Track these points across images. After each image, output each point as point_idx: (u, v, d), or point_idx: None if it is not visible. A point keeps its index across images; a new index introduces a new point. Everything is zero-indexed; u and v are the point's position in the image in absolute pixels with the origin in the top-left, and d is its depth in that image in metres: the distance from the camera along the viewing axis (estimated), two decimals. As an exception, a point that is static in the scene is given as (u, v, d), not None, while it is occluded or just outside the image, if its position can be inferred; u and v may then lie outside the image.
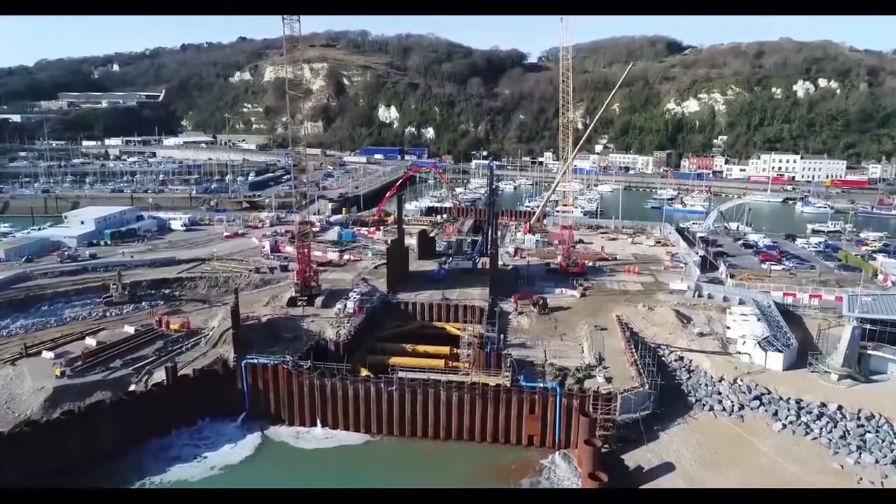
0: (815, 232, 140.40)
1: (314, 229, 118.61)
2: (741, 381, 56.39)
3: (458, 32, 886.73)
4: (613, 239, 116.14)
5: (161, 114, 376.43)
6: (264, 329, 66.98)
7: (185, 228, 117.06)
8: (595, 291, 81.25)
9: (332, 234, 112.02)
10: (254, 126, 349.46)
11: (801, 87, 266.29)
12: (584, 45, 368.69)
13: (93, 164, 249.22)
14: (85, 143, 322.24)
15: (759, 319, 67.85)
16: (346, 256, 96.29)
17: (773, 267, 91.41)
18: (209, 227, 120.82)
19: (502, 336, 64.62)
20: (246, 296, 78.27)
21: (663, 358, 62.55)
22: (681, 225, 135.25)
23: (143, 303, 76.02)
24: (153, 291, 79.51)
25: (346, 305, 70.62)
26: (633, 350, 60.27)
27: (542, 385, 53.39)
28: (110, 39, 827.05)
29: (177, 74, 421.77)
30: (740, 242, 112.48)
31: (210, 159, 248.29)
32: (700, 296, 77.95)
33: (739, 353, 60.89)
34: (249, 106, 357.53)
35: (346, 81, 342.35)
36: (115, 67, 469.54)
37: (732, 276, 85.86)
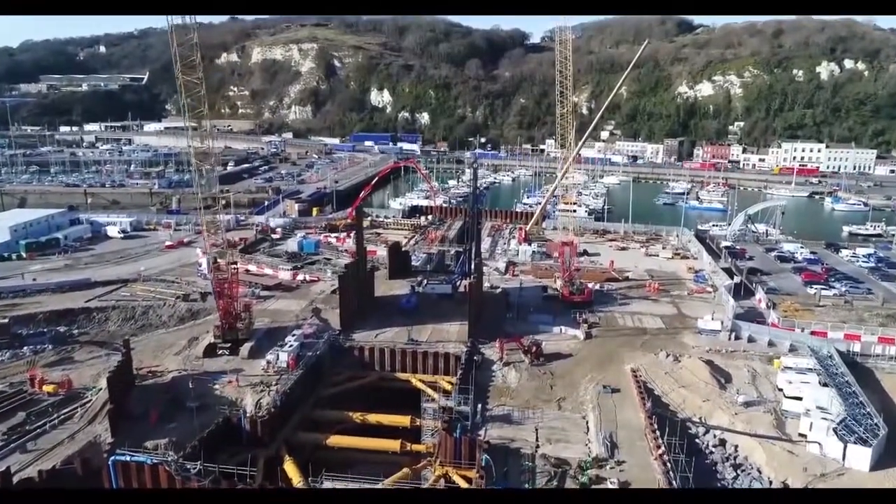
0: (852, 235, 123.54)
1: (274, 236, 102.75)
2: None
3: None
4: (623, 248, 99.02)
5: (144, 97, 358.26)
6: (166, 393, 50.61)
7: (122, 236, 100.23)
8: (603, 329, 64.40)
9: (294, 243, 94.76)
10: (240, 110, 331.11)
11: (825, 69, 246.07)
12: (589, 25, 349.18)
13: (62, 152, 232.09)
14: (62, 128, 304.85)
15: (820, 379, 51.22)
16: (300, 276, 79.53)
17: (823, 291, 74.33)
18: (155, 234, 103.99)
19: (480, 406, 48.07)
20: (160, 336, 62.09)
21: (697, 440, 46.17)
22: (699, 227, 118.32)
23: (26, 347, 59.40)
24: (45, 330, 62.94)
25: (278, 357, 54.09)
26: (657, 433, 43.76)
27: (528, 508, 36.74)
28: (101, 20, 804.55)
29: (163, 56, 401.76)
30: (774, 254, 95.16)
31: (189, 147, 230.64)
32: (738, 338, 61.20)
33: (805, 439, 44.19)
34: (235, 89, 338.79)
35: (336, 63, 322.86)
36: (102, 49, 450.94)
37: (773, 306, 69.04)
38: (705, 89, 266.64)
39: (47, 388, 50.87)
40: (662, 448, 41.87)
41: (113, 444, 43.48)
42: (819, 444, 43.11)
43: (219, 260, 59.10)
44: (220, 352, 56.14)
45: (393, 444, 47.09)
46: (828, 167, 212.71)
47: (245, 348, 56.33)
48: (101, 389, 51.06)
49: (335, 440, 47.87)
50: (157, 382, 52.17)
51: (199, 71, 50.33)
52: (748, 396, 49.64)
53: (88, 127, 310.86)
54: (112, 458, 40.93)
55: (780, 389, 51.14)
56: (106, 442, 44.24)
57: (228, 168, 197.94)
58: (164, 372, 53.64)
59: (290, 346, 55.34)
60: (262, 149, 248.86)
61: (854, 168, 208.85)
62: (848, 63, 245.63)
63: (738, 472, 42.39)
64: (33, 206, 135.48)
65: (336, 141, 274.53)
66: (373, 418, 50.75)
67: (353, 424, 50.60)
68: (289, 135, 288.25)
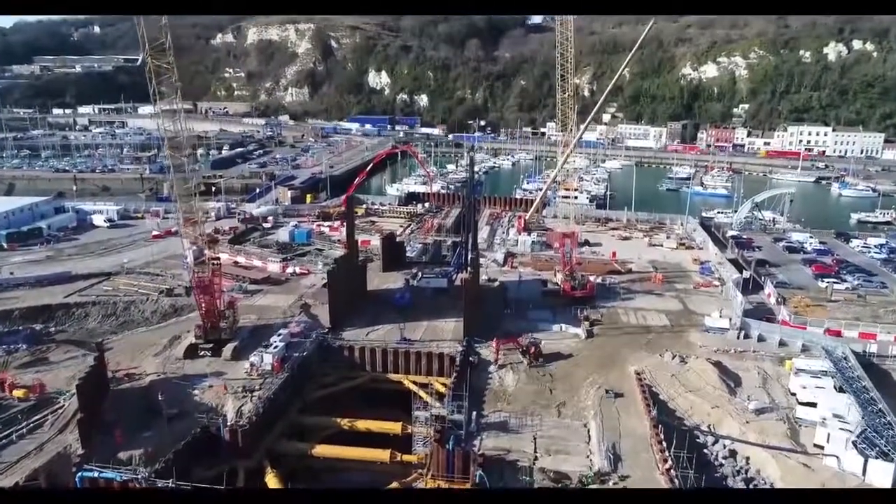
0: (861, 223, 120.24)
1: (265, 225, 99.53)
2: (831, 509, 37.03)
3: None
4: (626, 238, 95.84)
5: (138, 79, 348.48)
6: (142, 399, 47.79)
7: (108, 225, 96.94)
8: (605, 327, 61.44)
9: (285, 232, 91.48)
10: (235, 92, 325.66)
11: (832, 50, 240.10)
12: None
13: (54, 135, 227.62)
14: (55, 111, 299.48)
15: (836, 383, 48.35)
16: (289, 269, 76.40)
17: (835, 285, 71.22)
18: (142, 222, 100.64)
19: (474, 414, 45.27)
20: (141, 335, 59.15)
21: (706, 450, 43.36)
22: (704, 215, 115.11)
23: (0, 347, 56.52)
24: (19, 328, 60.02)
25: (262, 359, 51.22)
26: (663, 444, 40.95)
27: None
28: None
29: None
30: (782, 244, 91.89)
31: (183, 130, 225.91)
32: (747, 337, 58.25)
33: (822, 451, 41.35)
34: (231, 71, 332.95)
35: (333, 44, 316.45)
36: (96, 29, 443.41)
37: (784, 302, 66.06)
38: (710, 71, 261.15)
39: (17, 393, 48.05)
40: (669, 462, 39.12)
41: (83, 456, 40.77)
42: (837, 457, 40.27)
43: (204, 252, 56.14)
44: (202, 353, 53.25)
45: (382, 455, 44.38)
46: (834, 151, 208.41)
47: (228, 349, 53.36)
48: (74, 394, 48.36)
49: (321, 450, 45.16)
50: (134, 387, 49.33)
51: (169, 55, 46.84)
52: (760, 402, 46.73)
53: (82, 109, 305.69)
54: (80, 473, 38.37)
55: (794, 394, 48.33)
56: (76, 454, 41.50)
57: (223, 152, 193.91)
58: (141, 375, 50.78)
59: (276, 346, 52.48)
60: (258, 132, 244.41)
61: (861, 152, 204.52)
62: (856, 44, 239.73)
63: (750, 487, 39.62)
64: (22, 193, 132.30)
65: (331, 124, 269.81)
66: (362, 425, 48.05)
67: (340, 431, 47.93)
68: (285, 117, 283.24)
